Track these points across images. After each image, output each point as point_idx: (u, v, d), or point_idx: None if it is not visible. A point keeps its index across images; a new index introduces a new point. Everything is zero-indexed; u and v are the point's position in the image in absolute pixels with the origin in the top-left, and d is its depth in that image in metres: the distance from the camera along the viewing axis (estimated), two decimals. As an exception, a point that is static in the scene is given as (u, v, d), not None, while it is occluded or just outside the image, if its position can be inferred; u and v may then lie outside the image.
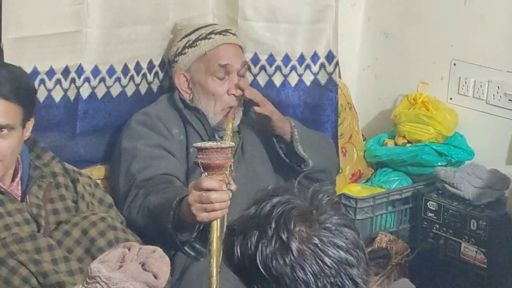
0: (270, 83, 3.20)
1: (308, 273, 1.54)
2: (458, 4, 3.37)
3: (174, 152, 2.84)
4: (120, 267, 1.73)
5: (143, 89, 3.08)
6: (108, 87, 2.97)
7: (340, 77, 3.37)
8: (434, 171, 3.30)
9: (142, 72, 3.06)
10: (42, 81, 2.78)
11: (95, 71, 2.92)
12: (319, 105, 3.22)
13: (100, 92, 2.96)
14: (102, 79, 2.95)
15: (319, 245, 1.55)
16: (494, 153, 3.36)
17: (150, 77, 3.09)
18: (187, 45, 2.95)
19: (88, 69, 2.90)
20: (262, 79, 3.20)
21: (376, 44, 3.68)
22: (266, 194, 1.63)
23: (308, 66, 3.20)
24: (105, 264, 1.71)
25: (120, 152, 2.86)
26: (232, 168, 2.34)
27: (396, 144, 3.49)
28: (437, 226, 3.26)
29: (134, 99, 3.05)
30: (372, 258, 3.23)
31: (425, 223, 3.30)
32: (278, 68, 3.19)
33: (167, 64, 3.07)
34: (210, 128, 2.92)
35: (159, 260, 1.75)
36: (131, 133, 2.88)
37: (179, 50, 2.96)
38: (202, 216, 2.37)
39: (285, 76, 3.20)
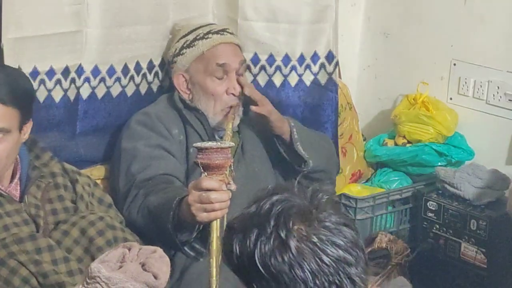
0: (270, 83, 3.20)
1: (307, 271, 1.55)
2: (458, 4, 3.37)
3: (174, 152, 2.84)
4: (120, 267, 1.73)
5: (143, 89, 3.08)
6: (108, 87, 2.97)
7: (340, 77, 3.37)
8: (434, 171, 3.30)
9: (142, 72, 3.06)
10: (42, 81, 2.78)
11: (95, 71, 2.92)
12: (319, 105, 3.22)
13: (100, 92, 2.96)
14: (102, 79, 2.95)
15: (317, 243, 1.56)
16: (494, 153, 3.36)
17: (150, 77, 3.09)
18: (185, 45, 2.95)
19: (88, 69, 2.90)
20: (262, 79, 3.20)
21: (376, 44, 3.68)
22: (266, 192, 1.64)
23: (308, 66, 3.20)
24: (105, 264, 1.71)
25: (120, 152, 2.86)
26: (232, 168, 2.34)
27: (396, 144, 3.49)
28: (437, 226, 3.26)
29: (134, 99, 3.05)
30: (372, 258, 3.24)
31: (425, 223, 3.30)
32: (278, 68, 3.19)
33: (167, 65, 3.07)
34: (210, 128, 2.92)
35: (159, 261, 1.75)
36: (131, 133, 2.88)
37: (177, 50, 2.96)
38: (202, 216, 2.37)
39: (285, 76, 3.20)
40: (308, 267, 1.55)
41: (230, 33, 2.98)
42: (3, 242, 2.35)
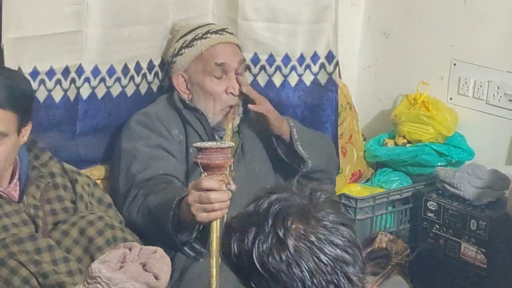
0: (270, 83, 3.20)
1: (304, 270, 1.55)
2: (458, 4, 3.37)
3: (173, 153, 2.84)
4: (121, 267, 1.73)
5: (143, 89, 3.08)
6: (108, 87, 2.97)
7: (340, 77, 3.37)
8: (434, 171, 3.30)
9: (142, 72, 3.06)
10: (42, 81, 2.78)
11: (95, 71, 2.92)
12: (319, 105, 3.22)
13: (100, 92, 2.96)
14: (102, 79, 2.95)
15: (315, 242, 1.56)
16: (494, 153, 3.36)
17: (150, 77, 3.09)
18: (183, 45, 2.95)
19: (88, 69, 2.90)
20: (262, 79, 3.20)
21: (376, 44, 3.68)
22: (264, 192, 1.64)
23: (308, 66, 3.20)
24: (106, 264, 1.71)
25: (119, 153, 2.86)
26: (232, 168, 2.34)
27: (396, 144, 3.49)
28: (437, 226, 3.26)
29: (134, 99, 3.05)
30: (372, 258, 3.23)
31: (425, 223, 3.30)
32: (278, 68, 3.19)
33: (166, 65, 3.07)
34: (210, 128, 2.92)
35: (160, 261, 1.75)
36: (130, 133, 2.87)
37: (176, 51, 2.96)
38: (202, 216, 2.37)
39: (285, 76, 3.20)
40: (306, 266, 1.55)
41: (229, 32, 2.98)
42: (3, 242, 2.35)
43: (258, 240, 1.57)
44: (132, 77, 3.03)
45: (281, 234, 1.56)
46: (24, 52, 2.71)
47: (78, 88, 2.89)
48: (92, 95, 2.94)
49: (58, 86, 2.83)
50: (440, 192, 3.27)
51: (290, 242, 1.56)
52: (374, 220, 3.33)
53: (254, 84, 3.18)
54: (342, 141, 3.39)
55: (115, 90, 3.00)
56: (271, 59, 3.19)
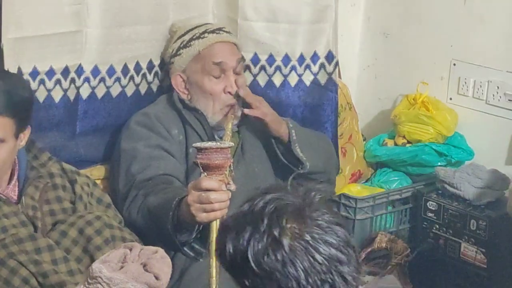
0: (270, 83, 3.20)
1: (299, 269, 1.56)
2: (458, 4, 3.37)
3: (173, 153, 2.84)
4: (122, 267, 1.73)
5: (143, 89, 3.08)
6: (108, 87, 2.97)
7: (340, 77, 3.37)
8: (434, 171, 3.29)
9: (142, 72, 3.05)
10: (42, 81, 2.78)
11: (95, 71, 2.92)
12: (319, 105, 3.22)
13: (100, 92, 2.96)
14: (102, 79, 2.95)
15: (310, 241, 1.57)
16: (494, 153, 3.35)
17: (150, 77, 3.09)
18: (181, 45, 2.95)
19: (88, 69, 2.90)
20: (262, 79, 3.20)
21: (376, 44, 3.68)
22: (259, 191, 1.65)
23: (308, 66, 3.20)
24: (107, 264, 1.71)
25: (119, 153, 2.86)
26: (232, 168, 2.34)
27: (396, 144, 3.49)
28: (437, 226, 3.26)
29: (134, 99, 3.05)
30: (372, 258, 3.24)
31: (425, 223, 3.30)
32: (278, 68, 3.19)
33: (166, 65, 3.07)
34: (210, 128, 2.91)
35: (160, 261, 1.75)
36: (130, 134, 2.87)
37: (174, 51, 2.96)
38: (202, 217, 2.37)
39: (285, 76, 3.20)
40: (300, 265, 1.56)
41: (226, 32, 2.98)
42: (2, 242, 2.35)
43: (253, 239, 1.58)
44: (132, 77, 3.03)
45: (276, 233, 1.57)
46: (24, 52, 2.71)
47: (78, 88, 2.89)
48: (92, 95, 2.94)
49: (58, 86, 2.83)
50: (440, 192, 3.27)
51: (286, 242, 1.56)
52: (374, 220, 3.33)
53: (254, 84, 3.18)
54: (342, 141, 3.39)
55: (115, 90, 3.00)
56: (271, 59, 3.19)
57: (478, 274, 3.16)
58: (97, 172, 2.98)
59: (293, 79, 3.20)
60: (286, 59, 3.19)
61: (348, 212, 3.29)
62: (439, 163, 3.37)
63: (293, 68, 3.19)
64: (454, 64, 3.43)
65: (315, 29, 3.19)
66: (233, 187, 2.34)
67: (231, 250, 1.60)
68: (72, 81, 2.87)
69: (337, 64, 3.22)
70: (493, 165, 3.25)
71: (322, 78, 3.21)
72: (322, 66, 3.20)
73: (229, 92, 2.91)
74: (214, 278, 2.32)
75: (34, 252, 2.35)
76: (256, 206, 1.61)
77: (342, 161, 3.35)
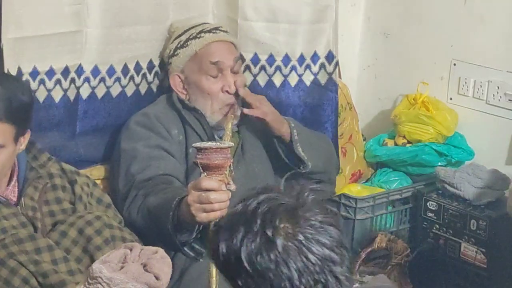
0: (270, 83, 3.20)
1: (292, 269, 1.56)
2: (458, 4, 3.37)
3: (173, 153, 2.84)
4: (122, 268, 1.73)
5: (143, 89, 3.08)
6: (108, 87, 2.97)
7: (340, 77, 3.37)
8: (434, 171, 3.29)
9: (142, 72, 3.05)
10: (42, 81, 2.78)
11: (95, 71, 2.92)
12: (319, 105, 3.22)
13: (100, 92, 2.96)
14: (102, 79, 2.95)
15: (303, 241, 1.58)
16: (494, 153, 3.35)
17: (150, 77, 3.09)
18: (178, 46, 2.95)
19: (88, 69, 2.90)
20: (262, 79, 3.20)
21: (376, 44, 3.68)
22: (253, 192, 1.65)
23: (308, 66, 3.20)
24: (107, 264, 1.71)
25: (119, 153, 2.86)
26: (232, 168, 2.34)
27: (396, 144, 3.49)
28: (437, 226, 3.26)
29: (134, 99, 3.05)
30: (372, 258, 3.24)
31: (425, 223, 3.30)
32: (278, 68, 3.19)
33: (165, 66, 3.07)
34: (209, 128, 2.91)
35: (160, 261, 1.75)
36: (130, 134, 2.87)
37: (172, 51, 2.97)
38: (202, 217, 2.37)
39: (285, 76, 3.20)
40: (294, 265, 1.56)
41: (223, 31, 2.98)
42: (2, 242, 2.35)
43: (246, 240, 1.58)
44: (132, 77, 3.03)
45: (269, 233, 1.57)
46: (24, 52, 2.71)
47: (78, 88, 2.89)
48: (92, 95, 2.94)
49: (58, 86, 2.83)
50: (440, 192, 3.27)
51: (279, 242, 1.57)
52: (374, 220, 3.33)
53: (254, 84, 3.18)
54: (342, 141, 3.39)
55: (115, 90, 3.00)
56: (271, 59, 3.18)
57: (478, 274, 3.16)
58: (97, 172, 2.98)
59: (293, 79, 3.20)
60: (286, 59, 3.19)
61: (348, 212, 3.29)
62: (439, 163, 3.37)
63: (293, 68, 3.19)
64: (454, 64, 3.43)
65: (315, 29, 3.19)
66: (233, 187, 2.34)
67: (224, 250, 1.60)
68: (72, 81, 2.87)
69: (337, 64, 3.22)
70: (493, 165, 3.25)
71: (322, 78, 3.21)
72: (322, 66, 3.20)
73: (227, 91, 2.91)
74: (214, 278, 2.32)
75: (34, 252, 2.35)
76: (249, 206, 1.62)
77: (342, 161, 3.35)
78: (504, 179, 3.17)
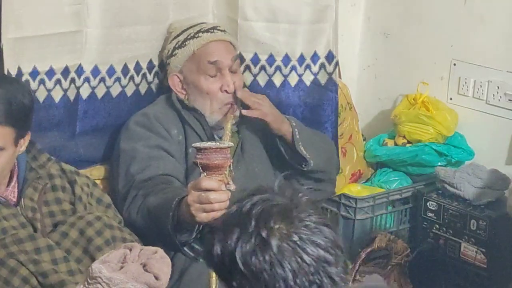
0: (270, 83, 3.20)
1: (287, 270, 1.56)
2: (458, 4, 3.37)
3: (173, 153, 2.84)
4: (121, 267, 1.73)
5: (143, 89, 3.08)
6: (108, 87, 2.97)
7: (340, 77, 3.37)
8: (434, 171, 3.29)
9: (142, 72, 3.05)
10: (42, 81, 2.78)
11: (95, 71, 2.92)
12: (319, 105, 3.22)
13: (100, 92, 2.96)
14: (102, 79, 2.95)
15: (298, 242, 1.57)
16: (494, 153, 3.36)
17: (150, 77, 3.09)
18: (176, 46, 2.95)
19: (88, 69, 2.90)
20: (262, 79, 3.20)
21: (376, 44, 3.68)
22: (246, 193, 1.65)
23: (308, 66, 3.20)
24: (106, 264, 1.71)
25: (118, 154, 2.86)
26: (231, 168, 2.34)
27: (396, 144, 3.49)
28: (437, 226, 3.26)
29: (134, 99, 3.05)
30: (372, 258, 3.24)
31: (425, 223, 3.30)
32: (278, 68, 3.19)
33: (165, 66, 3.07)
34: (209, 127, 2.91)
35: (160, 261, 1.75)
36: (129, 134, 2.87)
37: (170, 52, 2.97)
38: (201, 217, 2.37)
39: (285, 76, 3.20)
40: (288, 266, 1.56)
41: (221, 30, 2.98)
42: (2, 242, 2.35)
43: (241, 241, 1.58)
44: (132, 77, 3.03)
45: (264, 234, 1.57)
46: (24, 52, 2.71)
47: (78, 88, 2.89)
48: (92, 95, 2.94)
49: (58, 86, 2.83)
50: (440, 192, 3.27)
51: (274, 242, 1.57)
52: (374, 220, 3.33)
53: (254, 84, 3.18)
54: (342, 141, 3.39)
55: (115, 90, 3.00)
56: (271, 59, 3.18)
57: (478, 274, 3.16)
58: (97, 172, 2.98)
59: (293, 79, 3.20)
60: (286, 59, 3.19)
61: (348, 212, 3.30)
62: (439, 163, 3.37)
63: (293, 68, 3.19)
64: (454, 64, 3.43)
65: (315, 29, 3.19)
66: (232, 187, 2.34)
67: (218, 251, 1.60)
68: (72, 81, 2.87)
69: (337, 64, 3.22)
70: (493, 165, 3.25)
71: (322, 78, 3.21)
72: (322, 66, 3.20)
73: (226, 91, 2.91)
74: (213, 278, 2.32)
75: (34, 252, 2.35)
76: (244, 207, 1.62)
77: (342, 161, 3.35)
78: (504, 179, 3.17)
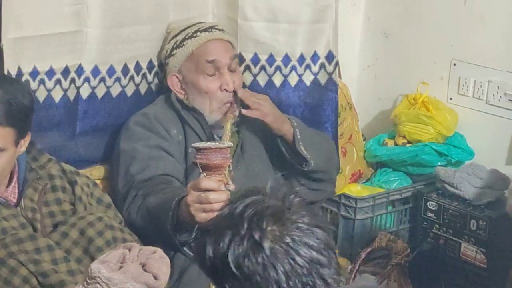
0: (270, 83, 3.20)
1: (280, 272, 1.56)
2: (458, 4, 3.37)
3: (172, 153, 2.84)
4: (121, 267, 1.73)
5: (143, 89, 3.08)
6: (108, 87, 2.97)
7: (340, 77, 3.37)
8: (434, 171, 3.30)
9: (142, 72, 3.06)
10: (42, 81, 2.78)
11: (95, 71, 2.92)
12: (319, 105, 3.22)
13: (100, 92, 2.96)
14: (102, 79, 2.95)
15: (290, 244, 1.57)
16: (494, 153, 3.36)
17: (150, 77, 3.09)
18: (175, 46, 2.95)
19: (88, 69, 2.90)
20: (262, 79, 3.20)
21: (376, 44, 3.68)
22: (238, 195, 1.65)
23: (308, 66, 3.20)
24: (106, 264, 1.71)
25: (118, 154, 2.86)
26: (231, 168, 2.34)
27: (396, 144, 3.49)
28: (437, 226, 3.26)
29: (134, 99, 3.05)
30: (372, 258, 3.24)
31: (425, 223, 3.30)
32: (278, 68, 3.19)
33: (163, 66, 3.07)
34: (208, 127, 2.91)
35: (159, 261, 1.75)
36: (129, 134, 2.87)
37: (168, 52, 2.97)
38: (201, 217, 2.36)
39: (285, 76, 3.20)
40: (281, 268, 1.56)
41: (219, 29, 2.98)
42: (2, 242, 2.35)
43: (233, 243, 1.57)
44: (132, 77, 3.03)
45: (257, 236, 1.57)
46: (24, 52, 2.71)
47: (78, 88, 2.90)
48: (92, 95, 2.94)
49: (58, 86, 2.83)
50: (440, 192, 3.27)
51: (266, 245, 1.56)
52: (374, 220, 3.34)
53: (254, 84, 3.18)
54: (342, 141, 3.39)
55: (115, 90, 3.00)
56: (271, 59, 3.18)
57: (478, 274, 3.16)
58: (97, 172, 2.98)
59: (293, 79, 3.20)
60: (286, 59, 3.19)
61: (348, 212, 3.30)
62: (439, 163, 3.37)
63: (293, 68, 3.19)
64: (454, 64, 3.44)
65: (315, 29, 3.19)
66: (232, 187, 2.34)
67: (211, 254, 1.60)
68: (72, 81, 2.87)
69: (337, 64, 3.22)
70: (493, 165, 3.25)
71: (322, 78, 3.21)
72: (322, 66, 3.20)
73: (226, 90, 2.91)
74: (213, 278, 2.31)
75: (34, 252, 2.35)
76: (236, 209, 1.61)
77: (342, 161, 3.35)
78: (504, 179, 3.17)
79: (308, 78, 3.21)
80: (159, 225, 2.52)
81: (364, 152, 3.56)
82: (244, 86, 3.03)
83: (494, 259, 3.13)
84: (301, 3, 3.16)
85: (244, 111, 2.89)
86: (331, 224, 3.36)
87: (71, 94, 2.88)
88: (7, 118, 2.34)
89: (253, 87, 3.15)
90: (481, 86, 3.37)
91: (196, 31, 2.94)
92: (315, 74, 3.20)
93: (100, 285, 1.69)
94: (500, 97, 3.32)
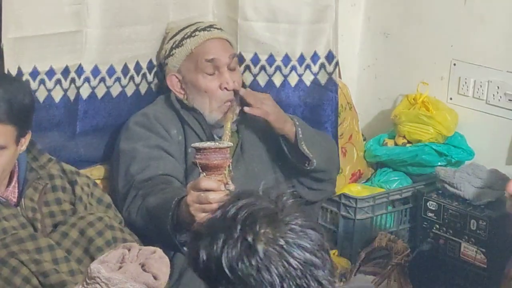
0: (270, 83, 3.20)
1: (274, 274, 1.55)
2: (458, 4, 3.37)
3: (172, 153, 2.84)
4: (120, 267, 1.73)
5: (143, 89, 3.08)
6: (108, 87, 2.97)
7: (340, 77, 3.37)
8: (434, 171, 3.30)
9: (142, 72, 3.06)
10: (42, 81, 2.78)
11: (95, 71, 2.92)
12: (319, 105, 3.22)
13: (100, 92, 2.96)
14: (102, 79, 2.95)
15: (284, 246, 1.56)
16: (494, 153, 3.36)
17: (150, 77, 3.09)
18: (174, 46, 2.95)
19: (88, 69, 2.90)
20: (262, 79, 3.20)
21: (376, 44, 3.68)
22: (231, 198, 1.64)
23: (308, 66, 3.20)
24: (105, 264, 1.71)
25: (118, 154, 2.86)
26: (231, 168, 2.34)
27: (396, 144, 3.49)
28: (437, 226, 3.26)
29: (134, 99, 3.05)
30: (372, 258, 3.24)
31: (425, 223, 3.30)
32: (278, 68, 3.19)
33: (164, 66, 3.07)
34: (208, 127, 2.91)
35: (159, 261, 1.75)
36: (129, 134, 2.87)
37: (167, 52, 2.97)
38: (201, 217, 2.36)
39: (285, 76, 3.20)
40: (275, 271, 1.55)
41: (217, 28, 2.98)
42: (3, 242, 2.35)
43: (227, 246, 1.56)
44: (132, 77, 3.03)
45: (250, 239, 1.56)
46: (24, 52, 2.71)
47: (78, 88, 2.90)
48: (92, 95, 2.94)
49: (58, 86, 2.83)
50: (440, 192, 3.27)
51: (260, 247, 1.55)
52: (374, 220, 3.34)
53: (254, 84, 3.18)
54: (342, 141, 3.39)
55: (115, 90, 3.00)
56: (271, 59, 3.19)
57: (478, 274, 3.16)
58: (97, 172, 2.98)
59: (293, 79, 3.20)
60: (286, 59, 3.19)
61: (348, 212, 3.30)
62: (439, 163, 3.37)
63: (293, 68, 3.19)
64: (454, 64, 3.44)
65: (315, 29, 3.19)
66: (232, 187, 2.34)
67: (204, 257, 1.59)
68: (72, 81, 2.87)
69: (337, 64, 3.22)
70: (493, 165, 3.25)
71: (322, 78, 3.21)
72: (322, 66, 3.20)
73: (226, 88, 2.91)
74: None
75: (35, 252, 2.35)
76: (229, 212, 1.60)
77: (342, 161, 3.35)
78: (504, 179, 3.17)
79: (308, 78, 3.21)
80: (159, 225, 2.53)
81: (364, 152, 3.56)
82: (244, 86, 3.03)
83: (494, 259, 3.12)
84: (301, 3, 3.16)
85: (246, 109, 2.89)
86: (331, 224, 3.36)
87: (71, 94, 2.88)
88: (8, 116, 2.34)
89: (253, 87, 3.15)
90: (481, 86, 3.37)
91: (194, 31, 2.94)
92: (315, 74, 3.21)
93: (100, 285, 1.69)
94: (500, 97, 3.32)
